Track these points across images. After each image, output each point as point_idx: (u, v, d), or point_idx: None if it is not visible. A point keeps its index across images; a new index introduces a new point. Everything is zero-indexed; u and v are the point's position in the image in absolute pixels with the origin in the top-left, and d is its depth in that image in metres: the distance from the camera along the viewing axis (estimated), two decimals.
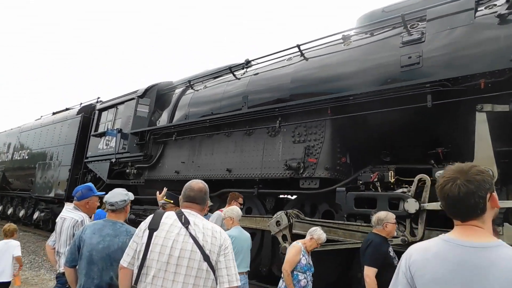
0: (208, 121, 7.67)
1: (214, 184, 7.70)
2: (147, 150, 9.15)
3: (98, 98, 12.77)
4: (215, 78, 9.02)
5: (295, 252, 4.15)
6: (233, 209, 4.72)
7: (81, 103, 13.30)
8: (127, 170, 9.44)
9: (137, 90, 10.08)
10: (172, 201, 3.98)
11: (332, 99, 5.88)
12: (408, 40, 5.50)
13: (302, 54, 6.93)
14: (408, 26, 5.65)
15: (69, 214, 3.51)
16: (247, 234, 4.58)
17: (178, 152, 8.55)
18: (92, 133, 11.13)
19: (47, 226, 13.02)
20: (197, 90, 8.98)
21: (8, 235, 5.50)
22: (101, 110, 11.26)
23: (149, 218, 2.35)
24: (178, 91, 9.53)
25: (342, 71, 6.13)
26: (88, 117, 12.05)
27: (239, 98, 7.56)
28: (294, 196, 7.16)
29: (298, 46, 6.91)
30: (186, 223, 2.27)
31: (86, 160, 11.18)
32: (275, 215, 6.45)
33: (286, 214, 6.03)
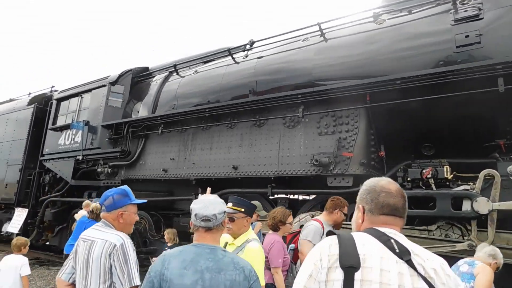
0: (207, 110, 6.52)
1: (213, 183, 6.58)
2: (124, 146, 7.77)
3: (53, 86, 10.99)
4: (205, 62, 7.86)
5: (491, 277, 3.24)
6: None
7: (29, 93, 11.41)
8: (98, 169, 7.98)
9: (108, 76, 8.62)
10: (243, 210, 2.87)
11: (372, 84, 5.04)
12: (463, 17, 4.80)
13: (322, 34, 6.03)
14: (458, 2, 4.96)
15: (100, 234, 2.29)
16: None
17: (164, 148, 7.30)
18: (50, 126, 9.42)
19: None
20: (184, 76, 7.76)
21: (15, 250, 4.80)
22: (61, 100, 9.59)
23: (324, 248, 1.31)
24: (158, 77, 8.23)
25: (375, 52, 5.32)
26: (43, 108, 10.27)
27: (244, 84, 6.51)
28: (312, 196, 6.26)
29: (319, 24, 6.01)
30: (404, 253, 1.26)
31: (42, 158, 9.45)
32: (298, 218, 5.53)
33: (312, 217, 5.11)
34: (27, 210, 9.31)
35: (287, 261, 3.59)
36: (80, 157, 8.32)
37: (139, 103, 8.42)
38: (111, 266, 2.15)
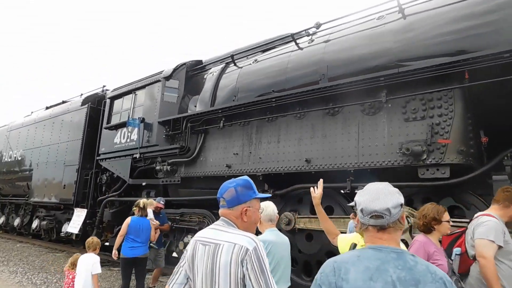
0: (274, 100, 6.07)
1: (282, 179, 6.17)
2: (183, 142, 7.48)
3: (104, 86, 10.95)
4: (264, 51, 7.41)
5: None
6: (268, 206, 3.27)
7: (81, 94, 11.44)
8: (157, 167, 7.74)
9: (162, 71, 8.36)
10: None
11: (472, 60, 4.40)
12: None
13: (401, 11, 5.41)
14: None
15: (224, 236, 1.85)
16: (286, 239, 3.26)
17: (226, 142, 6.92)
18: (105, 125, 9.32)
19: (50, 235, 11.14)
20: (242, 67, 7.35)
21: (91, 248, 4.95)
22: (114, 98, 9.46)
23: None
24: (214, 69, 7.87)
25: (478, 26, 4.65)
26: (96, 108, 10.22)
27: (313, 70, 6.01)
28: None
29: None
30: None
31: (98, 158, 9.37)
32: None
33: None
34: (85, 210, 9.27)
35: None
36: (137, 155, 8.12)
37: (194, 97, 8.11)
38: (243, 275, 1.71)
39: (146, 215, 6.11)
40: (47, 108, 12.87)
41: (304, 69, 6.14)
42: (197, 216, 7.25)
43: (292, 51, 6.55)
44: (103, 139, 9.39)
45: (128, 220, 5.88)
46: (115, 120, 9.22)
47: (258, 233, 3.58)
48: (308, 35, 6.60)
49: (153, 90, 8.29)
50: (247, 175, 6.35)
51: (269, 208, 3.17)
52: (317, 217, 5.91)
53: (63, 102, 12.18)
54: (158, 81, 8.18)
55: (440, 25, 4.94)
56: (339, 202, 5.83)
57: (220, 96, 7.31)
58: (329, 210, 5.93)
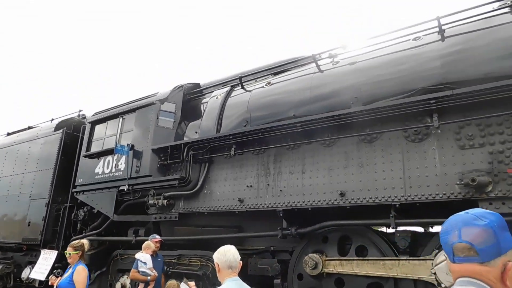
0: (299, 124, 5.38)
1: (304, 215, 5.40)
2: (184, 172, 6.54)
3: (80, 110, 9.82)
4: (274, 74, 6.80)
5: None
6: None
7: (52, 119, 10.22)
8: (150, 201, 6.70)
9: (156, 93, 7.51)
10: None
11: None
12: None
13: (440, 31, 5.01)
14: None
15: None
16: None
17: (236, 173, 6.09)
18: (84, 153, 8.17)
19: (6, 282, 9.44)
20: (251, 90, 6.66)
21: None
22: (96, 123, 8.39)
23: None
24: (218, 92, 7.12)
25: None
26: (72, 133, 9.06)
27: (343, 93, 5.42)
28: (437, 228, 5.06)
29: (439, 19, 4.99)
30: None
31: (75, 190, 8.13)
32: (440, 254, 4.31)
33: None
34: (56, 252, 7.90)
35: None
36: (125, 188, 7.04)
37: (192, 123, 7.27)
38: None
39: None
40: (8, 134, 11.42)
41: (331, 92, 5.54)
42: (198, 259, 6.22)
43: (313, 73, 5.96)
44: (80, 169, 8.21)
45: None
46: (96, 147, 8.11)
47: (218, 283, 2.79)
48: (330, 57, 6.05)
49: (146, 114, 7.37)
50: (264, 210, 5.55)
51: (230, 252, 2.68)
52: (349, 259, 5.18)
53: (29, 127, 10.84)
54: (152, 103, 7.29)
55: (491, 45, 4.54)
56: (374, 241, 5.11)
57: (227, 121, 6.53)
58: (360, 251, 5.20)
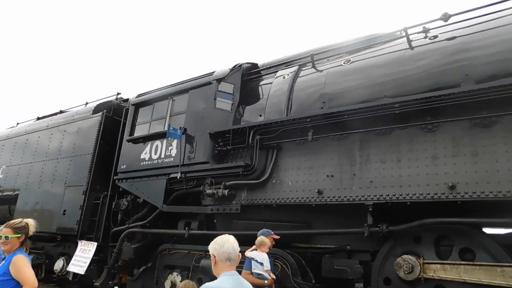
0: (397, 105, 4.64)
1: (405, 209, 4.66)
2: (249, 159, 5.85)
3: (119, 93, 9.19)
4: (350, 53, 6.06)
5: None
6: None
7: (86, 103, 9.61)
8: (208, 191, 6.00)
9: (212, 73, 6.82)
10: None
11: None
12: None
13: None
14: None
15: None
16: (247, 286, 2.44)
17: (312, 161, 5.37)
18: (128, 137, 7.52)
19: (36, 273, 8.83)
20: (321, 70, 5.95)
21: None
22: (140, 105, 7.74)
23: None
24: (284, 72, 6.41)
25: None
26: (111, 117, 8.42)
27: (449, 70, 4.67)
28: None
29: None
30: None
31: (117, 178, 7.48)
32: None
33: None
34: (95, 244, 7.26)
35: None
36: (178, 175, 6.36)
37: (250, 106, 6.57)
38: None
39: None
40: (38, 118, 10.84)
41: (431, 70, 4.79)
42: None
43: (405, 49, 5.22)
44: (123, 155, 7.55)
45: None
46: (141, 132, 7.46)
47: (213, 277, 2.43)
48: (423, 32, 5.31)
49: (201, 95, 6.69)
50: (349, 203, 4.83)
51: (229, 242, 2.41)
52: (456, 263, 4.43)
53: (61, 112, 10.24)
54: (209, 83, 6.61)
55: None
56: (483, 244, 4.35)
57: (299, 103, 5.82)
58: (465, 254, 4.45)
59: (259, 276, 4.48)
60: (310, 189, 5.23)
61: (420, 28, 5.30)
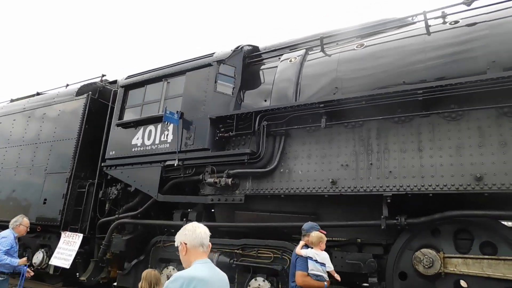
0: (420, 92, 4.38)
1: (427, 201, 4.45)
2: (254, 146, 5.49)
3: (104, 75, 8.57)
4: (362, 37, 5.77)
5: None
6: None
7: (67, 84, 8.94)
8: (209, 180, 5.61)
9: (212, 54, 6.37)
10: None
11: None
12: None
13: None
14: None
15: None
16: (223, 276, 2.34)
17: (325, 149, 5.07)
18: (117, 121, 6.98)
19: None
20: (330, 55, 5.64)
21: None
22: (130, 87, 7.20)
23: None
24: (291, 55, 6.04)
25: None
26: (97, 99, 7.83)
27: (473, 56, 4.46)
28: None
29: None
30: None
31: (105, 164, 6.95)
32: None
33: None
34: (81, 235, 6.73)
35: None
36: (175, 162, 5.93)
37: (252, 91, 6.21)
38: None
39: None
40: (12, 100, 10.04)
41: (454, 56, 4.56)
42: (271, 250, 5.19)
43: (424, 33, 4.97)
44: (112, 140, 7.01)
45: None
46: (131, 115, 6.94)
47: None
48: (442, 16, 5.06)
49: (200, 77, 6.24)
50: (366, 194, 4.57)
51: (200, 228, 2.28)
52: (478, 257, 4.27)
53: (38, 94, 9.50)
54: (209, 65, 6.17)
55: None
56: (505, 237, 4.20)
57: (309, 87, 5.49)
58: (485, 248, 4.29)
59: (318, 278, 3.94)
60: (322, 178, 4.94)
61: (439, 13, 5.05)
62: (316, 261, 3.93)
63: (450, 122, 4.40)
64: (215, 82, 6.02)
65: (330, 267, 4.05)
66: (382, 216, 4.58)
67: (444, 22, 5.03)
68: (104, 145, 7.15)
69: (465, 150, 4.23)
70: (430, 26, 4.99)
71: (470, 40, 4.57)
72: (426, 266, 4.32)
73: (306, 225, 4.31)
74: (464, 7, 4.86)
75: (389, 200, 4.51)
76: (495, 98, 4.19)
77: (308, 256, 3.98)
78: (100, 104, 7.75)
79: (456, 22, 4.88)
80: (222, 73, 6.11)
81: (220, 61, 6.15)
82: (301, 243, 4.20)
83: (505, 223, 4.64)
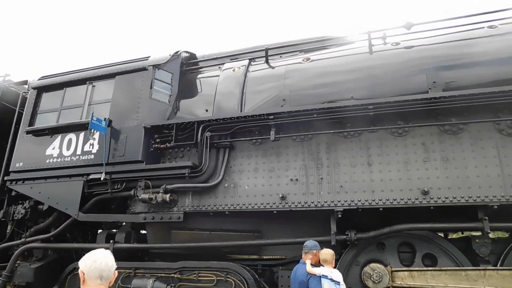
0: (371, 107, 4.43)
1: (376, 215, 4.48)
2: (196, 159, 5.06)
3: (7, 75, 7.35)
4: (304, 52, 5.77)
5: None
6: None
7: None
8: (143, 196, 5.01)
9: (147, 57, 5.83)
10: None
11: None
12: None
13: None
14: None
15: None
16: None
17: (273, 163, 4.87)
18: (27, 128, 5.96)
19: None
20: (274, 67, 5.54)
21: None
22: (44, 90, 6.24)
23: None
24: (234, 65, 5.77)
25: None
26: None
27: (416, 75, 4.68)
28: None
29: None
30: None
31: (9, 178, 5.83)
32: None
33: None
34: None
35: None
36: (101, 176, 5.20)
37: (188, 100, 5.81)
38: None
39: None
40: None
41: (399, 74, 4.75)
42: (213, 272, 4.76)
43: (362, 52, 5.11)
44: (19, 150, 5.94)
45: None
46: (44, 121, 5.99)
47: None
48: (382, 38, 5.28)
49: (132, 82, 5.64)
50: (316, 209, 4.45)
51: (102, 257, 2.12)
52: (422, 270, 4.36)
53: None
54: (144, 69, 5.62)
55: None
56: (445, 249, 4.41)
57: (254, 98, 5.27)
58: (425, 259, 4.45)
59: None
60: (271, 193, 4.71)
61: (381, 34, 5.26)
62: (331, 279, 3.72)
63: (397, 138, 4.52)
64: (151, 88, 5.49)
65: (343, 285, 3.83)
66: (332, 232, 4.50)
67: (385, 43, 5.24)
68: (8, 155, 6.04)
69: (411, 165, 4.36)
70: (373, 45, 5.16)
71: (410, 60, 4.79)
72: (376, 281, 4.31)
73: (309, 243, 4.12)
74: (405, 30, 5.10)
75: (340, 215, 4.44)
76: (436, 116, 4.43)
77: (323, 275, 3.77)
78: (3, 107, 6.60)
79: (398, 43, 5.11)
80: (158, 79, 5.60)
81: (156, 66, 5.64)
82: (308, 261, 3.96)
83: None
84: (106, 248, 4.86)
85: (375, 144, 4.57)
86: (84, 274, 2.04)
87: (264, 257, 5.27)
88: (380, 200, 4.33)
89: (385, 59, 4.93)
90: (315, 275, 3.80)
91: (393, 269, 4.38)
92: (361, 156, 4.56)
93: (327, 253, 3.94)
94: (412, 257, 4.52)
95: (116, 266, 2.11)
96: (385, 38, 5.27)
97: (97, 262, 2.05)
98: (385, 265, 4.39)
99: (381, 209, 4.34)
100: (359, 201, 4.39)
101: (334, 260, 3.97)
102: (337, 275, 3.83)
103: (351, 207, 4.40)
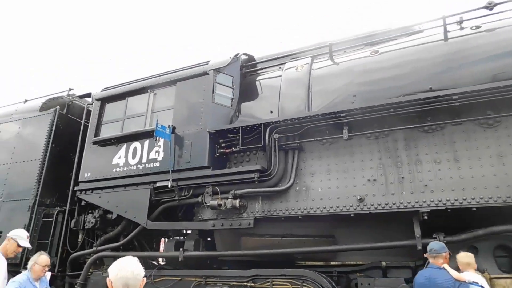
0: (456, 97, 4.04)
1: (469, 217, 4.05)
2: (264, 163, 4.88)
3: (71, 89, 7.60)
4: (371, 44, 5.44)
5: None
6: None
7: (26, 100, 7.85)
8: (212, 202, 4.88)
9: (206, 62, 5.76)
10: None
11: None
12: None
13: None
14: None
15: None
16: None
17: (346, 163, 4.58)
18: (93, 138, 6.07)
19: None
20: (338, 63, 5.25)
21: None
22: (107, 100, 6.35)
23: None
24: (295, 64, 5.57)
25: None
26: (65, 115, 6.86)
27: (500, 58, 4.23)
28: None
29: None
30: None
31: (79, 188, 5.95)
32: None
33: None
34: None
35: None
36: (168, 184, 5.14)
37: (248, 103, 5.65)
38: None
39: None
40: None
41: (488, 60, 4.31)
42: (289, 281, 4.52)
43: (435, 40, 4.71)
44: (87, 160, 6.06)
45: None
46: (109, 132, 6.08)
47: None
48: (459, 22, 4.86)
49: (194, 87, 5.58)
50: (400, 211, 4.09)
51: (129, 265, 2.03)
52: None
53: None
54: (205, 74, 5.54)
55: None
56: None
57: (321, 97, 5.01)
58: None
59: None
60: (347, 195, 4.41)
61: (457, 18, 4.84)
62: (482, 286, 3.42)
63: (487, 130, 4.09)
64: (213, 92, 5.40)
65: None
66: (417, 236, 4.13)
67: (461, 28, 4.82)
68: (77, 166, 6.17)
69: (507, 159, 3.91)
70: (448, 31, 4.75)
71: (496, 42, 4.35)
72: None
73: (437, 245, 3.78)
74: (486, 11, 4.66)
75: (426, 217, 4.06)
76: None
77: (474, 282, 3.45)
78: (69, 121, 6.80)
79: (479, 27, 4.67)
80: (219, 83, 5.50)
81: (217, 70, 5.55)
82: (447, 266, 3.66)
83: None
84: (175, 258, 4.81)
85: (461, 138, 4.15)
86: (111, 282, 2.03)
87: (334, 263, 5.00)
88: (473, 199, 3.91)
89: (464, 44, 4.51)
90: (465, 282, 3.45)
91: (492, 276, 3.93)
92: (446, 152, 4.17)
93: (469, 256, 3.63)
94: (511, 262, 4.06)
95: (144, 274, 2.05)
96: (461, 22, 4.86)
97: (123, 271, 2.04)
98: (481, 271, 3.96)
99: (474, 208, 3.91)
100: (448, 200, 3.99)
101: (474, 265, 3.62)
102: (483, 282, 3.48)
103: (439, 208, 4.01)
